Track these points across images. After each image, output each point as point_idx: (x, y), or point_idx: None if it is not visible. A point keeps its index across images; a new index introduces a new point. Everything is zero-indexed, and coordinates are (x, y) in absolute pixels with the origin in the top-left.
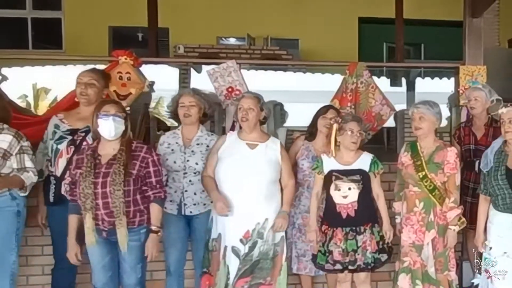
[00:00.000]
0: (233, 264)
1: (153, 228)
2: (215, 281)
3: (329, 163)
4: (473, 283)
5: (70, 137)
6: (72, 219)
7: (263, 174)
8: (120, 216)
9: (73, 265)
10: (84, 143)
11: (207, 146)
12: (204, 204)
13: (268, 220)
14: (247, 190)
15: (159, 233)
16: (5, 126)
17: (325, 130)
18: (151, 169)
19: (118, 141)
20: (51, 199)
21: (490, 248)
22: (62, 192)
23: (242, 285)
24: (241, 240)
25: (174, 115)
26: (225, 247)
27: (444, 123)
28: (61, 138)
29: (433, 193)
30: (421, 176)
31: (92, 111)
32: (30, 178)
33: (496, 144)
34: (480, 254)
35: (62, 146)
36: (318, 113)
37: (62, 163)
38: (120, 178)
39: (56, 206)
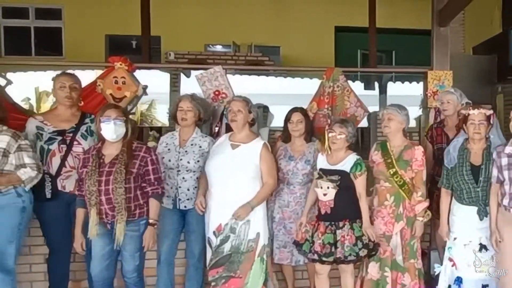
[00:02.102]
0: (208, 254)
1: (151, 221)
2: None
3: (321, 162)
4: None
5: (59, 138)
6: (80, 212)
7: (240, 172)
8: (122, 211)
9: (67, 253)
10: (75, 142)
11: (200, 147)
12: None
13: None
14: (225, 186)
15: (155, 226)
16: (4, 127)
17: (296, 134)
18: (150, 167)
19: (120, 142)
20: (48, 195)
21: (455, 238)
22: (59, 188)
23: (213, 275)
24: (214, 233)
25: (173, 117)
26: (208, 238)
27: (413, 123)
28: (50, 139)
29: (403, 188)
30: (391, 172)
31: (71, 112)
32: (28, 172)
33: (458, 142)
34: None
35: (54, 146)
36: (285, 118)
37: (55, 161)
38: (121, 176)
39: (51, 201)
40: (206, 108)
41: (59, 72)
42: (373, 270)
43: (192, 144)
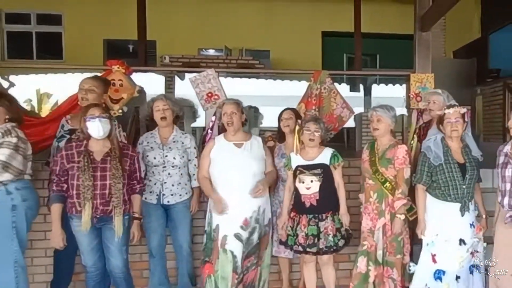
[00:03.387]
0: (237, 248)
1: (136, 215)
2: (215, 268)
3: (296, 160)
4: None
5: (68, 136)
6: (57, 208)
7: (251, 168)
8: (120, 205)
9: (74, 248)
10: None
11: (182, 143)
12: (180, 195)
13: (261, 208)
14: (239, 183)
15: (141, 220)
16: (8, 125)
17: (287, 130)
18: (137, 165)
19: (106, 139)
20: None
21: (437, 235)
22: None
23: (246, 264)
24: (241, 227)
25: (150, 119)
26: (224, 236)
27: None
28: (62, 136)
29: (384, 185)
30: (374, 170)
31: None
32: None
33: (436, 139)
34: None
35: (62, 144)
36: (278, 117)
37: None
38: (119, 172)
39: None
40: (179, 106)
41: (62, 74)
42: (362, 263)
43: (174, 141)
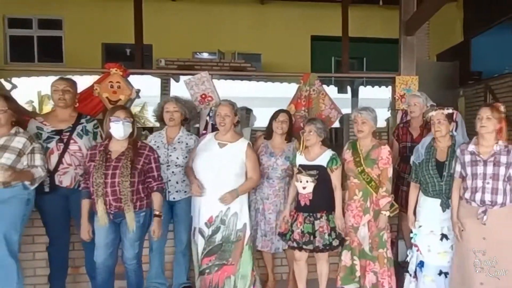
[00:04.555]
0: (200, 244)
1: (157, 213)
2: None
3: (299, 159)
4: (406, 257)
5: (57, 137)
6: (85, 203)
7: (227, 169)
8: (128, 202)
9: (66, 242)
10: (71, 141)
11: (186, 144)
12: (185, 192)
13: (230, 209)
14: (214, 181)
15: (161, 217)
16: (21, 130)
17: (279, 131)
18: (153, 165)
19: (126, 140)
20: (46, 189)
21: (420, 226)
22: (56, 183)
23: (207, 263)
24: (205, 224)
25: (160, 119)
26: (194, 228)
27: (383, 124)
28: (49, 138)
29: (370, 184)
30: (359, 170)
31: (68, 113)
32: (38, 172)
33: (426, 140)
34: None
35: (52, 145)
36: (272, 116)
37: (54, 158)
38: (127, 171)
39: (49, 195)
40: (190, 108)
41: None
42: (346, 257)
43: (179, 142)
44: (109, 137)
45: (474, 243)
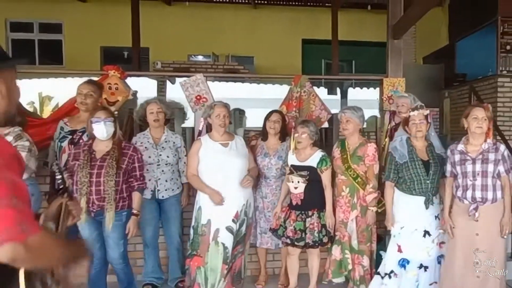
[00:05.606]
0: (228, 240)
1: (134, 211)
2: (205, 261)
3: (291, 159)
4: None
5: (70, 136)
6: None
7: (237, 165)
8: (111, 201)
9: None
10: (81, 140)
11: (173, 142)
12: (173, 190)
13: (248, 201)
14: (226, 180)
15: (138, 216)
16: (16, 129)
17: (272, 131)
18: (136, 164)
19: (110, 140)
20: (56, 186)
21: (402, 227)
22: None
23: (234, 253)
24: (233, 220)
25: (143, 120)
26: (217, 230)
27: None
28: (64, 137)
29: (356, 181)
30: (346, 167)
31: (87, 116)
32: None
33: (402, 140)
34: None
35: (64, 144)
36: (265, 117)
37: (64, 157)
38: (113, 171)
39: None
40: (171, 109)
41: (62, 78)
42: (336, 252)
43: (166, 141)
44: (93, 137)
45: (468, 239)
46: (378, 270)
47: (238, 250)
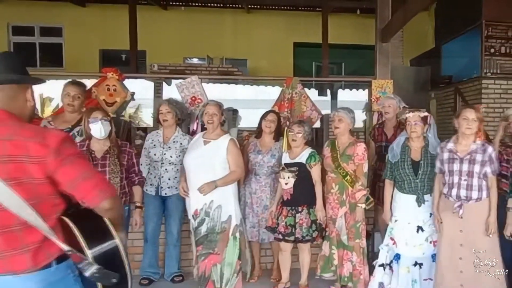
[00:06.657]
0: (192, 234)
1: (138, 204)
2: (223, 257)
3: (285, 158)
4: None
5: None
6: None
7: (210, 164)
8: None
9: None
10: None
11: (181, 143)
12: (176, 188)
13: (214, 202)
14: (198, 176)
15: (142, 208)
16: None
17: (267, 129)
18: (134, 160)
19: (107, 139)
20: None
21: (396, 220)
22: None
23: (198, 251)
24: (192, 216)
25: (158, 121)
26: (189, 220)
27: (360, 124)
28: None
29: (345, 178)
30: (336, 165)
31: (74, 116)
32: None
33: (400, 140)
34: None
35: None
36: (261, 116)
37: None
38: (117, 168)
39: None
40: (182, 109)
41: (62, 80)
42: (325, 247)
43: (174, 141)
44: (89, 137)
45: (452, 235)
46: (380, 261)
47: (200, 252)
